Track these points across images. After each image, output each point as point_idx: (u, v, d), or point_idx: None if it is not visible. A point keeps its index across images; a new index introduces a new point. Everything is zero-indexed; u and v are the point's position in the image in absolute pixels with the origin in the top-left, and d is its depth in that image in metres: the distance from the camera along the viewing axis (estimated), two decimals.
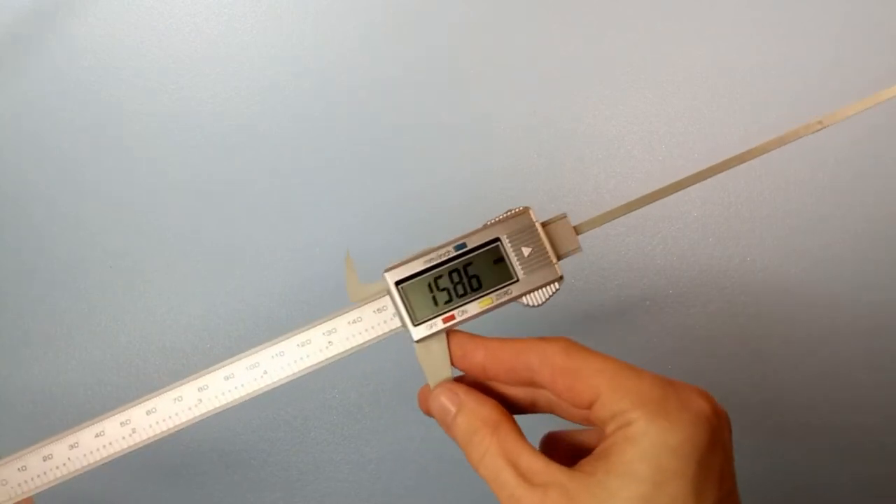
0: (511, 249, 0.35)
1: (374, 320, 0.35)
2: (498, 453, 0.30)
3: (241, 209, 0.56)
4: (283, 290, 0.55)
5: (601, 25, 0.56)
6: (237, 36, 0.56)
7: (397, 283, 0.35)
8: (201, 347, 0.55)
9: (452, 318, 0.35)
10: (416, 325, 0.34)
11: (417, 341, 0.34)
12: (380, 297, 0.35)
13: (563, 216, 0.35)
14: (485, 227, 0.35)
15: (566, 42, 0.56)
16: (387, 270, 0.35)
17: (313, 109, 0.56)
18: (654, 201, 0.37)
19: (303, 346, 0.35)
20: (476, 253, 0.35)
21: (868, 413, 0.55)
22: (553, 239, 0.35)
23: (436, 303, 0.35)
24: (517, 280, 0.35)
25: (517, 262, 0.35)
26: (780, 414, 0.56)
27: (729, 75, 0.55)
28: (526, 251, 0.35)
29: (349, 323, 0.35)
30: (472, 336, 0.34)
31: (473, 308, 0.35)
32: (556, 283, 0.35)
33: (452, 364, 0.34)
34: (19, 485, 0.34)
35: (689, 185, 0.36)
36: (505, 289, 0.35)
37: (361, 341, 0.35)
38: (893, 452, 0.56)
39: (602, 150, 0.55)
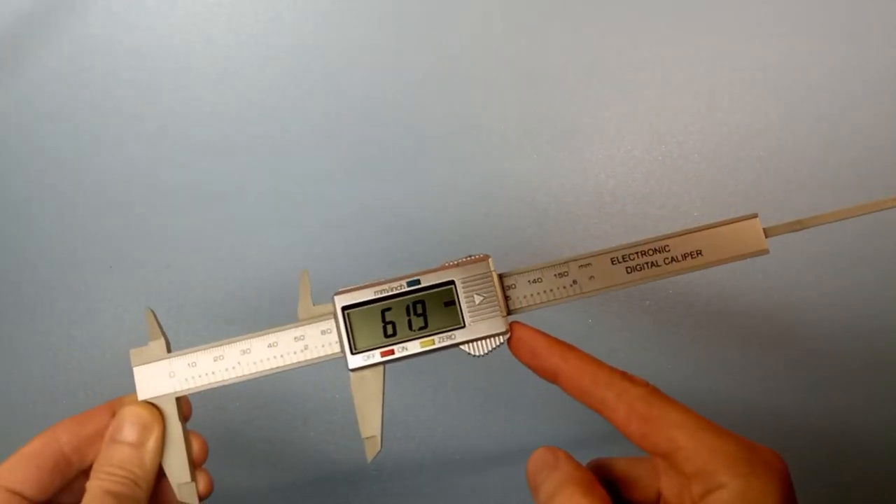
0: (463, 294, 0.34)
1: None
2: None
3: (241, 209, 0.56)
4: (283, 291, 0.55)
5: (601, 26, 0.56)
6: (237, 36, 0.56)
7: (344, 309, 0.34)
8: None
9: (392, 352, 0.34)
10: (353, 354, 0.34)
11: (352, 370, 0.34)
12: (326, 319, 0.35)
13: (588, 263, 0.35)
14: (442, 267, 0.35)
15: (566, 42, 0.56)
16: (337, 294, 0.35)
17: (314, 109, 0.56)
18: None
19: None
20: (429, 292, 0.34)
21: (872, 413, 0.55)
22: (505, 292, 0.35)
23: (378, 334, 0.34)
24: (463, 326, 0.34)
25: (467, 309, 0.34)
26: (778, 414, 0.55)
27: (729, 75, 0.55)
28: (478, 299, 0.34)
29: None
30: (554, 340, 0.34)
31: (414, 346, 0.34)
32: (501, 337, 0.34)
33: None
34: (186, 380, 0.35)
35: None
36: (449, 333, 0.34)
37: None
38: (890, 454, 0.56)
39: (602, 150, 0.55)
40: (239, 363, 0.35)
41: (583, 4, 0.55)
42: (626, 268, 0.34)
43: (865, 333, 0.55)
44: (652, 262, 0.35)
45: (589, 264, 0.34)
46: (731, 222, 0.35)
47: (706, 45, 0.55)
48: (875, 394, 0.55)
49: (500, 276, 0.35)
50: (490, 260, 0.35)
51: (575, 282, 0.34)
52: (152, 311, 0.37)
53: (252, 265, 0.55)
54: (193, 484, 0.35)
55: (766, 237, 0.35)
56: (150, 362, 0.36)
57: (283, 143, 0.56)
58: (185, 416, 0.36)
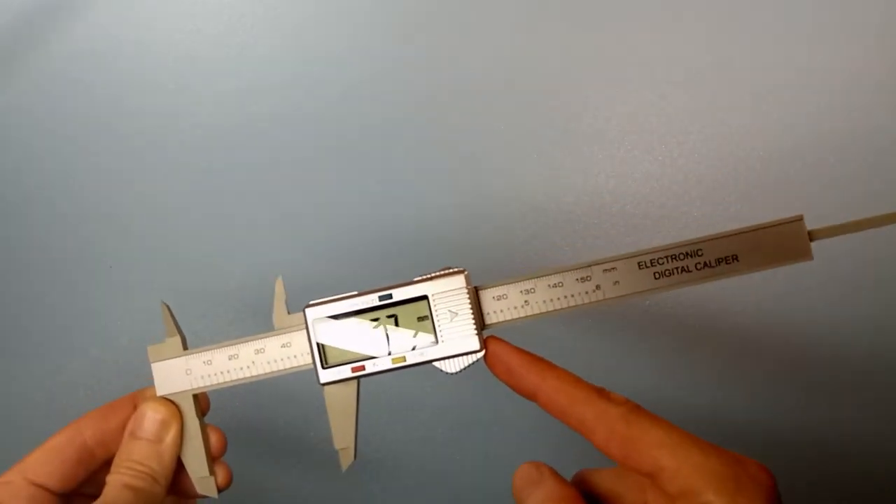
0: (437, 310, 0.33)
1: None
2: None
3: (242, 209, 0.56)
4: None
5: (601, 25, 0.56)
6: (237, 36, 0.56)
7: (316, 321, 0.34)
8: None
9: (363, 368, 0.34)
10: (325, 368, 0.34)
11: (323, 384, 0.34)
12: (299, 330, 0.35)
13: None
14: (416, 281, 0.34)
15: (565, 42, 0.56)
16: (308, 306, 0.35)
17: (314, 110, 0.56)
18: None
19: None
20: (402, 306, 0.34)
21: (870, 419, 0.55)
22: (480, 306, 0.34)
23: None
24: (436, 343, 0.33)
25: (440, 325, 0.33)
26: (779, 414, 0.55)
27: (729, 75, 0.55)
28: (452, 315, 0.33)
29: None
30: (531, 357, 0.33)
31: (385, 362, 0.34)
32: (475, 355, 0.33)
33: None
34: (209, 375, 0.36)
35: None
36: (421, 350, 0.33)
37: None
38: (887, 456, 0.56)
39: (602, 150, 0.55)
40: (253, 362, 0.35)
41: (583, 4, 0.55)
42: (654, 273, 0.32)
43: (866, 334, 0.55)
44: (683, 268, 0.32)
45: (614, 268, 0.33)
46: (773, 225, 0.32)
47: (706, 46, 0.55)
48: (874, 396, 0.55)
49: (477, 290, 0.34)
50: (465, 274, 0.34)
51: (598, 287, 0.33)
52: (167, 306, 0.37)
53: (252, 265, 0.55)
54: (212, 477, 0.36)
55: (811, 241, 0.32)
56: (167, 359, 0.36)
57: (283, 143, 0.56)
58: (202, 411, 0.37)
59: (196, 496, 0.37)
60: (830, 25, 0.55)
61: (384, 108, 0.56)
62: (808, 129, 0.55)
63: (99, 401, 0.54)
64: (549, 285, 0.33)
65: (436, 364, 0.34)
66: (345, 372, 0.34)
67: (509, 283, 0.34)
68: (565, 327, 0.55)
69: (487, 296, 0.34)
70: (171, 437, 0.35)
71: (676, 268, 0.32)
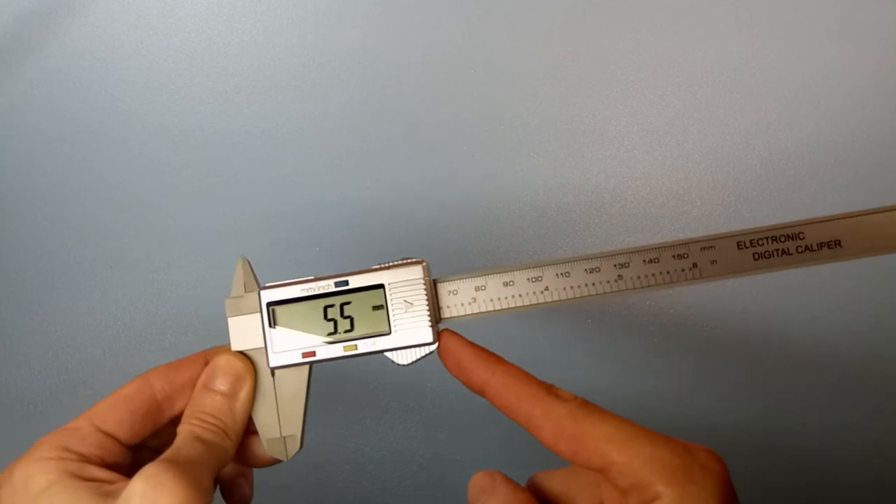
0: (392, 299, 0.33)
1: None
2: None
3: (242, 209, 0.56)
4: None
5: (601, 26, 0.56)
6: (237, 36, 0.56)
7: (269, 304, 0.34)
8: (201, 347, 0.55)
9: (313, 354, 0.33)
10: (276, 353, 0.34)
11: (272, 368, 0.34)
12: (252, 314, 0.34)
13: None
14: (373, 269, 0.34)
15: (565, 42, 0.56)
16: (263, 288, 0.34)
17: (314, 110, 0.56)
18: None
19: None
20: (357, 294, 0.33)
21: (868, 422, 0.55)
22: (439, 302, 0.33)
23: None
24: (389, 333, 0.33)
25: (395, 314, 0.33)
26: (778, 414, 0.55)
27: (729, 75, 0.55)
28: (407, 305, 0.33)
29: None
30: (482, 352, 0.32)
31: (336, 350, 0.33)
32: (427, 348, 0.33)
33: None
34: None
35: None
36: (374, 339, 0.33)
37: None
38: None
39: (602, 150, 0.55)
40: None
41: (583, 4, 0.55)
42: (754, 254, 0.31)
43: (866, 335, 0.55)
44: (783, 250, 0.31)
45: (712, 247, 0.31)
46: (881, 211, 0.31)
47: (706, 45, 0.55)
48: (873, 400, 0.55)
49: (435, 282, 0.33)
50: (424, 265, 0.33)
51: (695, 265, 0.31)
52: (248, 261, 0.36)
53: (252, 266, 0.55)
54: (283, 439, 0.34)
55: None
56: (243, 314, 0.35)
57: (283, 142, 0.56)
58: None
59: (259, 463, 0.36)
60: (831, 25, 0.55)
61: (383, 106, 0.56)
62: (809, 129, 0.55)
63: (98, 400, 0.54)
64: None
65: (388, 354, 0.33)
66: (295, 357, 0.33)
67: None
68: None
69: (444, 289, 0.33)
70: (245, 392, 0.34)
71: (777, 250, 0.31)
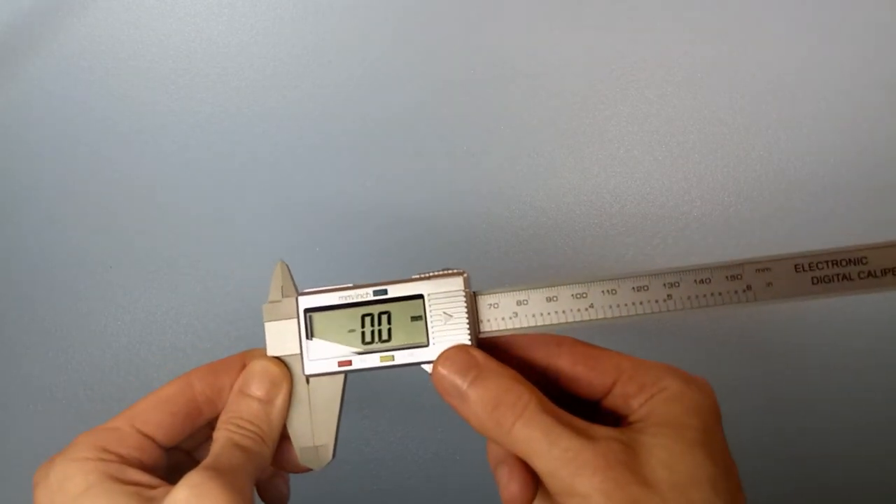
0: (431, 311, 0.32)
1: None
2: (540, 410, 0.29)
3: (242, 208, 0.56)
4: None
5: (601, 26, 0.56)
6: (237, 36, 0.56)
7: (307, 311, 0.33)
8: (201, 347, 0.55)
9: (349, 363, 0.33)
10: (311, 360, 0.33)
11: (307, 375, 0.33)
12: (289, 319, 0.34)
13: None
14: (413, 279, 0.33)
15: (565, 42, 0.56)
16: (301, 294, 0.34)
17: (314, 110, 0.56)
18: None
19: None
20: (396, 303, 0.33)
21: (870, 415, 0.55)
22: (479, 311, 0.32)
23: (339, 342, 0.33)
24: (427, 345, 0.32)
25: (433, 326, 0.32)
26: (779, 415, 0.55)
27: (729, 75, 0.55)
28: (446, 318, 0.32)
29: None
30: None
31: (373, 360, 0.33)
32: None
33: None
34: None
35: None
36: (411, 350, 0.32)
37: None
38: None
39: (602, 150, 0.55)
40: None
41: (583, 4, 0.55)
42: (813, 278, 0.30)
43: (866, 335, 0.55)
44: (844, 275, 0.30)
45: (768, 269, 0.31)
46: None
47: (706, 45, 0.55)
48: (879, 396, 0.55)
49: (475, 294, 0.33)
50: (465, 276, 0.33)
51: (749, 287, 0.31)
52: (286, 265, 0.35)
53: (252, 265, 0.55)
54: (317, 448, 0.34)
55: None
56: (281, 319, 0.34)
57: (283, 142, 0.56)
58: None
59: (292, 469, 0.35)
60: (831, 25, 0.55)
61: (383, 106, 0.56)
62: (809, 129, 0.55)
63: (98, 401, 0.54)
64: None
65: (424, 367, 0.33)
66: (331, 365, 0.33)
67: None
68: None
69: (484, 302, 0.33)
70: (281, 399, 0.33)
71: (837, 274, 0.31)
